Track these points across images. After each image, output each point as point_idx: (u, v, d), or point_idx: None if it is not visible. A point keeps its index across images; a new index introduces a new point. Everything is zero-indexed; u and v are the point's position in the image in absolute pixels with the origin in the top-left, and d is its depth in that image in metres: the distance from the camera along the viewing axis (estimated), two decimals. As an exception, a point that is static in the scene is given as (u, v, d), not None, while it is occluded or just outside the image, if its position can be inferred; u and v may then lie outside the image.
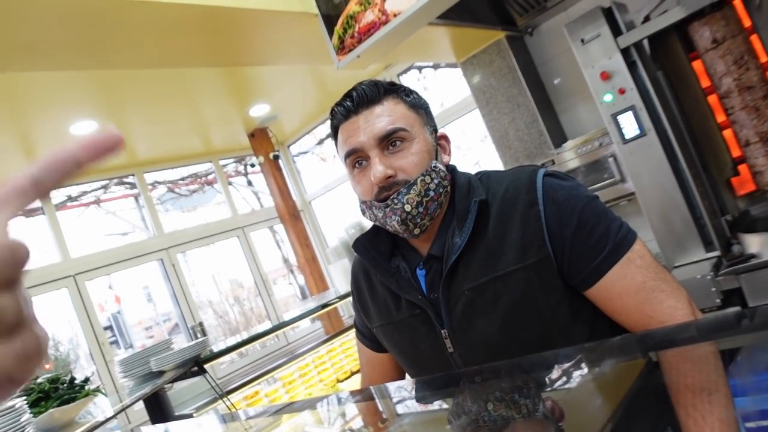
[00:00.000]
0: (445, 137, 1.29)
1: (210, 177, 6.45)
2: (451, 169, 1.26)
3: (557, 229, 1.11)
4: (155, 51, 2.40)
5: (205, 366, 3.08)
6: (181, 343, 3.15)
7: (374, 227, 1.31)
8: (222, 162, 6.46)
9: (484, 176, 1.25)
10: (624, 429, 1.03)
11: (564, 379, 1.07)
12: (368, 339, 1.44)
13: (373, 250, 1.28)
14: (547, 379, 1.07)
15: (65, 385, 2.06)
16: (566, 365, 1.05)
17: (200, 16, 2.20)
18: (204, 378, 3.01)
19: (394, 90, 1.22)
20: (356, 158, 1.19)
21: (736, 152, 2.41)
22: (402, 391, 1.33)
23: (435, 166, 1.18)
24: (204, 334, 3.30)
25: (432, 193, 1.16)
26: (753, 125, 2.23)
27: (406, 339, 1.26)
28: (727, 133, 2.40)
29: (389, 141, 1.16)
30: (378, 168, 1.14)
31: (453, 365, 1.19)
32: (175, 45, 2.40)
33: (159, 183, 6.07)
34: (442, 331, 1.17)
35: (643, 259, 1.11)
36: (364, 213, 1.24)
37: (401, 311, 1.24)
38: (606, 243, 1.10)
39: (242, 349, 5.73)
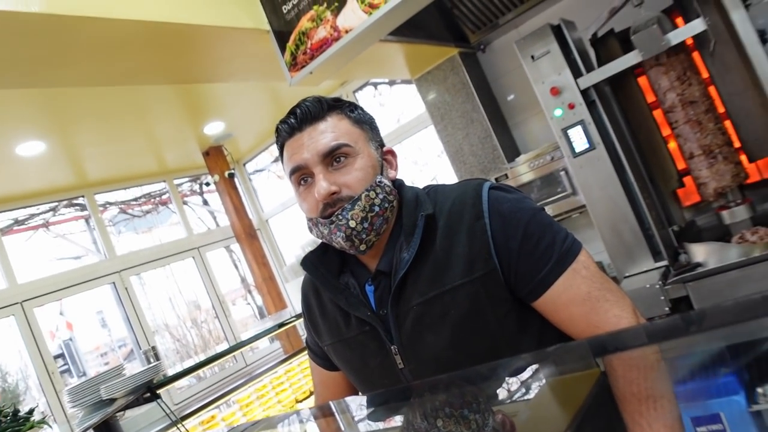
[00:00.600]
0: (391, 152, 1.29)
1: (164, 197, 6.33)
2: (398, 184, 1.25)
3: (503, 242, 1.12)
4: (104, 68, 2.35)
5: (161, 391, 2.99)
6: (136, 368, 3.06)
7: (322, 244, 1.29)
8: (176, 181, 6.34)
9: (432, 190, 1.25)
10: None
11: (516, 389, 1.07)
12: (320, 357, 1.42)
13: (322, 268, 1.26)
14: (497, 390, 1.07)
15: (8, 417, 1.97)
16: (516, 375, 1.04)
17: (149, 33, 2.16)
18: (158, 404, 2.93)
19: (338, 106, 1.22)
20: (301, 175, 1.18)
21: (681, 165, 2.47)
22: (351, 408, 1.31)
23: (380, 182, 1.17)
24: (157, 358, 3.21)
25: (377, 209, 1.15)
26: (696, 138, 2.29)
27: (356, 356, 1.25)
28: (672, 146, 2.46)
29: (333, 157, 1.15)
30: (322, 185, 1.13)
31: (403, 381, 1.18)
32: (125, 62, 2.35)
33: (111, 204, 5.92)
34: (392, 347, 1.17)
35: (588, 270, 1.13)
36: (311, 230, 1.23)
37: (351, 328, 1.23)
38: (551, 254, 1.11)
39: (200, 373, 5.62)
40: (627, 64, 2.27)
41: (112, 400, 2.67)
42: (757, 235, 2.21)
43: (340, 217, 1.13)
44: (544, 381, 1.07)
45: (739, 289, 2.05)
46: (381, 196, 1.16)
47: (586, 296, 1.10)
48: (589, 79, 2.34)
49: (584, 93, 2.41)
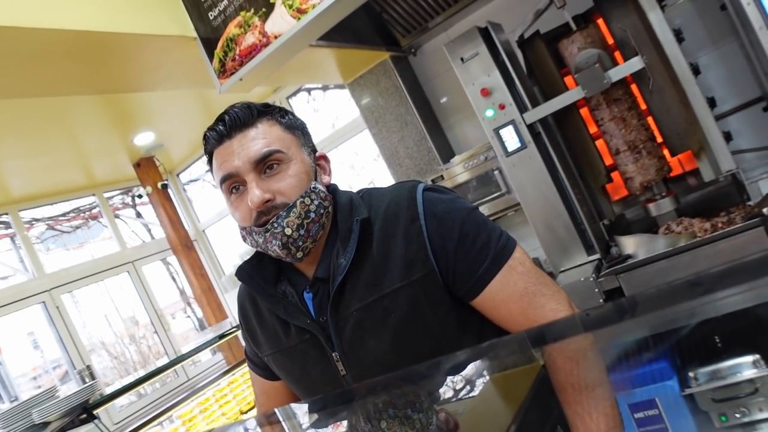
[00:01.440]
0: (324, 157, 1.27)
1: (94, 211, 6.12)
2: (332, 189, 1.24)
3: (440, 243, 1.12)
4: (21, 80, 2.24)
5: (99, 411, 2.89)
6: (71, 390, 2.94)
7: (257, 253, 1.27)
8: (107, 194, 6.14)
9: (366, 194, 1.24)
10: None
11: (459, 386, 1.08)
12: (260, 367, 1.40)
13: (258, 277, 1.24)
14: (440, 389, 1.08)
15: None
16: (458, 372, 1.07)
17: (69, 42, 2.08)
18: (95, 425, 2.83)
19: (268, 112, 1.19)
20: (232, 183, 1.15)
21: (608, 160, 2.55)
22: (297, 415, 1.29)
23: (315, 187, 1.16)
24: (93, 377, 3.10)
25: (313, 215, 1.14)
26: (621, 135, 2.37)
27: (297, 366, 1.23)
28: (600, 143, 2.54)
29: (265, 164, 1.13)
30: (255, 192, 1.11)
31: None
32: (44, 73, 2.25)
33: (37, 220, 5.68)
34: (333, 354, 1.16)
35: (524, 266, 1.15)
36: (244, 239, 1.20)
37: (291, 337, 1.21)
38: (488, 252, 1.12)
39: (141, 390, 5.46)
40: (571, 100, 2.34)
41: (46, 424, 2.57)
42: (681, 225, 2.30)
43: (275, 225, 1.11)
44: (486, 377, 1.09)
45: (668, 277, 2.13)
46: (316, 202, 1.15)
47: (523, 292, 1.12)
48: (534, 114, 2.39)
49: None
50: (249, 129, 1.15)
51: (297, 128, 1.23)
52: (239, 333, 3.78)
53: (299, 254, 1.13)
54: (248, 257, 1.29)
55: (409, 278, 1.12)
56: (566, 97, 2.32)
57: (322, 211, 1.16)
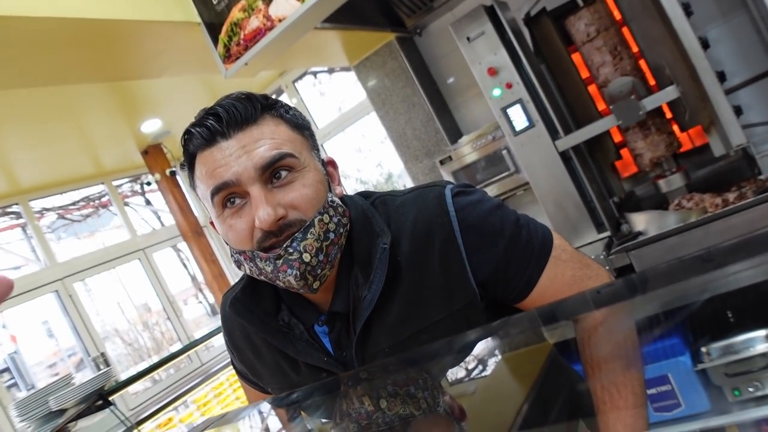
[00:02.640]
0: (333, 163, 1.07)
1: (104, 199, 6.15)
2: (343, 201, 1.04)
3: (482, 256, 1.00)
4: (27, 69, 2.25)
5: (113, 397, 2.93)
6: (87, 377, 2.98)
7: (249, 281, 1.07)
8: (115, 182, 6.17)
9: (380, 202, 1.07)
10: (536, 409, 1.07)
11: (471, 365, 1.08)
12: (256, 384, 1.25)
13: (257, 310, 1.04)
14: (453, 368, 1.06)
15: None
16: (468, 351, 1.03)
17: (74, 30, 2.08)
18: (111, 411, 2.86)
19: (272, 106, 0.98)
20: (227, 196, 0.92)
21: (617, 138, 2.54)
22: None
23: (332, 201, 0.96)
24: (107, 364, 3.13)
25: (332, 236, 0.94)
26: (630, 111, 2.35)
27: (313, 405, 1.11)
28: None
29: (273, 172, 0.92)
30: (266, 209, 0.88)
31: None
32: (50, 62, 2.25)
33: (48, 210, 5.72)
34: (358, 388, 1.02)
35: (566, 252, 1.06)
36: (240, 266, 0.98)
37: (302, 375, 1.04)
38: (532, 250, 1.02)
39: (155, 375, 5.52)
40: (605, 128, 2.30)
41: (62, 411, 2.61)
42: (692, 201, 2.29)
43: (291, 249, 0.90)
44: (498, 356, 1.08)
45: (679, 254, 2.12)
46: (335, 220, 0.95)
47: (571, 280, 1.04)
48: (566, 142, 2.36)
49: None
50: (251, 127, 0.93)
51: (305, 128, 1.01)
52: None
53: (316, 284, 0.93)
54: (239, 285, 1.09)
55: (450, 309, 0.99)
56: (600, 125, 2.29)
57: (341, 230, 0.96)
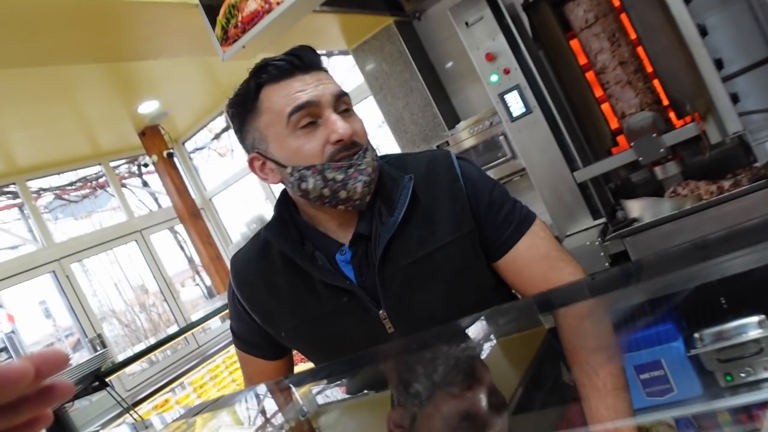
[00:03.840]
0: None
1: (101, 180, 6.13)
2: None
3: (474, 204, 1.18)
4: (23, 48, 2.24)
5: (110, 378, 2.94)
6: (84, 358, 3.00)
7: (279, 214, 1.23)
8: (113, 163, 6.15)
9: (393, 158, 1.27)
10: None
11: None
12: (258, 348, 1.34)
13: (288, 237, 1.19)
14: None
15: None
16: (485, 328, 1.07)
17: (71, 10, 2.07)
18: (107, 392, 2.88)
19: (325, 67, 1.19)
20: (305, 115, 1.09)
21: (614, 124, 2.53)
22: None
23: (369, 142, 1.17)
24: (104, 346, 3.15)
25: (375, 164, 1.14)
26: (627, 98, 2.35)
27: (334, 333, 1.19)
28: (605, 107, 2.51)
29: (340, 104, 1.12)
30: (345, 125, 1.08)
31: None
32: (46, 41, 2.24)
33: (45, 190, 5.71)
34: (380, 312, 1.14)
35: (545, 233, 1.23)
36: (303, 181, 1.11)
37: (324, 303, 1.16)
38: (513, 219, 1.20)
39: (152, 357, 5.54)
40: (623, 162, 2.30)
41: (59, 392, 2.61)
42: (688, 188, 2.30)
43: (359, 162, 1.09)
44: (493, 341, 1.11)
45: (674, 241, 2.13)
46: (375, 155, 1.16)
47: (546, 255, 1.20)
48: (585, 174, 2.34)
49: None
50: (321, 71, 1.14)
51: None
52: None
53: (368, 198, 1.13)
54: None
55: (461, 231, 1.16)
56: (619, 158, 2.29)
57: (378, 165, 1.16)
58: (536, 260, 1.19)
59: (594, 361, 1.11)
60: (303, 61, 1.11)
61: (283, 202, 1.25)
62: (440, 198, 1.17)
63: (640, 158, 2.22)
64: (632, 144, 2.23)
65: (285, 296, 1.21)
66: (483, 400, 0.97)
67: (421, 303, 1.15)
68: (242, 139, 1.20)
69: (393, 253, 1.13)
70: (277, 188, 1.41)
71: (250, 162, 1.19)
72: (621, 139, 2.54)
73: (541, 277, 1.19)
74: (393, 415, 0.98)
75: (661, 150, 2.18)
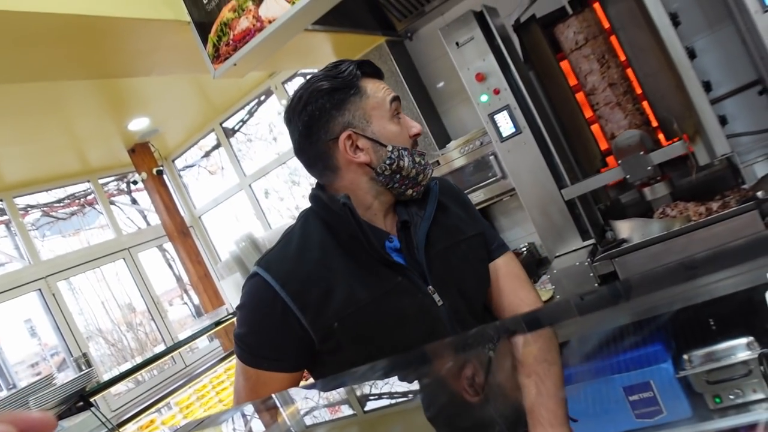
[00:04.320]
0: None
1: (89, 197, 6.09)
2: None
3: (477, 215, 1.49)
4: (16, 64, 2.22)
5: (95, 398, 2.90)
6: (69, 377, 2.95)
7: (334, 208, 1.31)
8: (102, 180, 6.11)
9: None
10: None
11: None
12: (288, 359, 1.31)
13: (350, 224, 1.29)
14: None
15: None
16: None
17: (62, 27, 2.06)
18: (92, 412, 2.84)
19: None
20: (398, 107, 1.33)
21: (603, 145, 2.55)
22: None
23: None
24: (89, 365, 3.10)
25: None
26: (616, 119, 2.37)
27: (392, 310, 1.27)
28: (595, 128, 2.53)
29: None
30: (416, 123, 1.35)
31: (442, 318, 1.29)
32: (37, 57, 2.23)
33: (32, 207, 5.66)
34: (429, 288, 1.29)
35: (518, 261, 1.50)
36: (400, 159, 1.29)
37: (383, 283, 1.27)
38: (496, 238, 1.50)
39: (138, 377, 5.47)
40: (612, 180, 2.34)
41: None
42: (676, 209, 2.31)
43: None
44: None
45: (662, 261, 2.13)
46: None
47: (518, 275, 1.47)
48: (571, 192, 2.37)
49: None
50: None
51: None
52: (235, 320, 3.77)
53: (422, 188, 1.35)
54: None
55: (477, 230, 1.43)
56: (607, 176, 2.33)
57: None
58: (510, 277, 1.45)
59: (543, 371, 1.28)
60: (377, 71, 1.36)
61: (324, 194, 1.37)
62: (454, 204, 1.43)
63: (628, 176, 2.23)
64: (620, 162, 2.24)
65: (344, 281, 1.26)
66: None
67: (459, 280, 1.34)
68: (328, 120, 1.29)
69: (431, 239, 1.32)
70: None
71: (342, 140, 1.28)
72: (610, 159, 2.56)
73: (512, 291, 1.43)
74: (466, 372, 1.08)
75: (649, 168, 2.20)
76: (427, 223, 1.32)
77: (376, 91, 1.31)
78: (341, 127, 1.28)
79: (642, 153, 2.19)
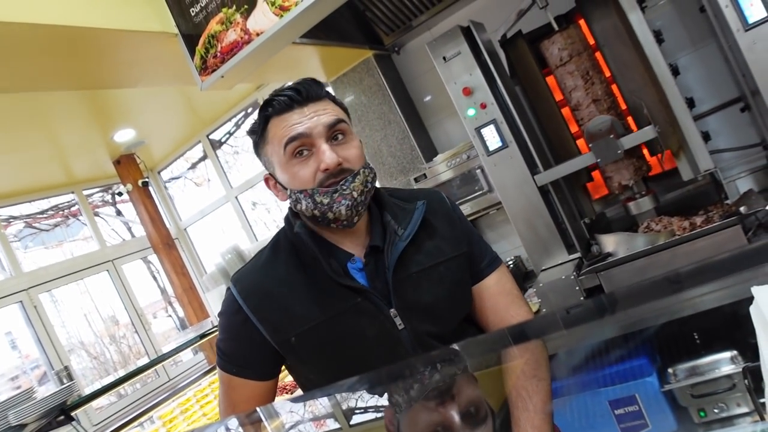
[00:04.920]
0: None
1: (73, 209, 6.04)
2: None
3: (466, 233, 1.43)
4: (0, 75, 2.21)
5: (76, 412, 2.85)
6: (50, 391, 2.90)
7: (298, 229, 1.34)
8: (86, 192, 6.06)
9: (390, 190, 1.45)
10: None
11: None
12: (255, 367, 1.37)
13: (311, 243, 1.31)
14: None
15: None
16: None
17: (48, 37, 2.05)
18: (73, 427, 2.79)
19: (329, 93, 1.34)
20: (299, 146, 1.24)
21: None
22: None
23: (368, 163, 1.31)
24: (71, 378, 3.06)
25: (369, 185, 1.28)
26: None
27: (349, 330, 1.28)
28: (581, 142, 2.55)
29: (333, 133, 1.26)
30: (331, 155, 1.22)
31: (402, 342, 1.29)
32: (22, 68, 2.21)
33: (15, 218, 5.60)
34: (391, 311, 1.28)
35: (510, 276, 1.46)
36: (297, 204, 1.28)
37: (339, 303, 1.28)
38: (487, 254, 1.45)
39: (121, 390, 5.40)
40: (583, 164, 2.33)
41: (23, 426, 2.53)
42: (661, 224, 2.33)
43: (344, 187, 1.23)
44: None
45: (647, 275, 2.14)
46: (371, 176, 1.29)
47: (509, 291, 1.43)
48: (546, 176, 2.39)
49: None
50: (318, 101, 1.28)
51: (347, 112, 1.37)
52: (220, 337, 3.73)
53: (356, 219, 1.26)
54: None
55: (459, 251, 1.37)
56: (579, 161, 2.33)
57: (371, 185, 1.30)
58: (502, 294, 1.41)
59: (532, 387, 1.26)
60: (301, 94, 1.26)
61: (296, 216, 1.37)
62: (442, 223, 1.38)
63: (598, 159, 2.25)
64: (590, 145, 2.26)
65: (300, 299, 1.30)
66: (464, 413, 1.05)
67: (428, 304, 1.30)
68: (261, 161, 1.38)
69: (405, 261, 1.30)
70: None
71: (266, 180, 1.38)
72: (596, 174, 2.58)
73: (504, 308, 1.40)
74: (387, 413, 1.06)
75: (618, 152, 2.22)
76: (403, 244, 1.29)
77: (275, 135, 1.28)
78: (264, 167, 1.37)
79: (612, 137, 2.21)
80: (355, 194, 1.23)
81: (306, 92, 1.26)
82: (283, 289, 1.31)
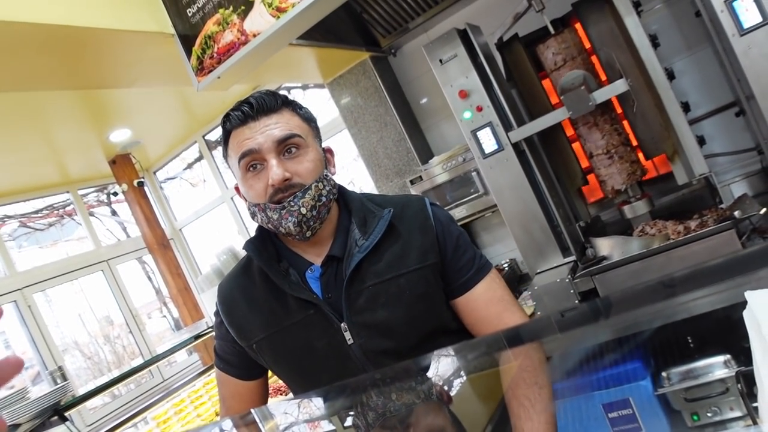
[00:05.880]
0: (330, 151, 1.39)
1: (68, 208, 6.02)
2: (339, 185, 1.38)
3: (443, 243, 1.33)
4: (-5, 74, 2.20)
5: (70, 412, 2.84)
6: (44, 391, 2.89)
7: (259, 233, 1.37)
8: (81, 191, 6.04)
9: (371, 196, 1.41)
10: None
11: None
12: (235, 366, 1.45)
13: (265, 253, 1.33)
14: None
15: None
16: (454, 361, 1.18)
17: (44, 37, 2.04)
18: (66, 427, 2.79)
19: (289, 103, 1.31)
20: (251, 161, 1.25)
21: (584, 163, 2.58)
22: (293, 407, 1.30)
23: (326, 175, 1.30)
24: (64, 378, 3.05)
25: (324, 199, 1.26)
26: (594, 139, 2.40)
27: (300, 342, 1.29)
28: (576, 146, 2.56)
29: (285, 147, 1.24)
30: (277, 171, 1.21)
31: (352, 357, 1.27)
32: (18, 67, 2.20)
33: (9, 217, 5.58)
34: (342, 325, 1.25)
35: (500, 280, 1.39)
36: (254, 216, 1.29)
37: (292, 314, 1.28)
38: (474, 263, 1.36)
39: (115, 391, 5.38)
40: (556, 120, 2.33)
41: (16, 426, 2.53)
42: (655, 227, 2.33)
43: (292, 203, 1.22)
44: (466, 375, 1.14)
45: (642, 279, 2.15)
46: (327, 188, 1.28)
47: (500, 298, 1.36)
48: (519, 133, 2.39)
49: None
50: (273, 114, 1.26)
51: (312, 120, 1.35)
52: (214, 334, 3.74)
53: (308, 233, 1.25)
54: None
55: (426, 262, 1.29)
56: (552, 117, 2.32)
57: (331, 197, 1.29)
58: (492, 302, 1.35)
59: (533, 395, 1.21)
60: (253, 108, 1.25)
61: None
62: (412, 232, 1.31)
63: (570, 112, 2.25)
64: (562, 98, 2.26)
65: (259, 308, 1.33)
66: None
67: (382, 320, 1.26)
68: None
69: (362, 273, 1.26)
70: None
71: (236, 189, 1.38)
72: (591, 177, 2.59)
73: (495, 317, 1.33)
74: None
75: (590, 104, 2.21)
76: (360, 255, 1.25)
77: (233, 149, 1.29)
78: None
79: (583, 88, 2.21)
80: (303, 210, 1.22)
81: (258, 106, 1.25)
82: (247, 297, 1.35)
